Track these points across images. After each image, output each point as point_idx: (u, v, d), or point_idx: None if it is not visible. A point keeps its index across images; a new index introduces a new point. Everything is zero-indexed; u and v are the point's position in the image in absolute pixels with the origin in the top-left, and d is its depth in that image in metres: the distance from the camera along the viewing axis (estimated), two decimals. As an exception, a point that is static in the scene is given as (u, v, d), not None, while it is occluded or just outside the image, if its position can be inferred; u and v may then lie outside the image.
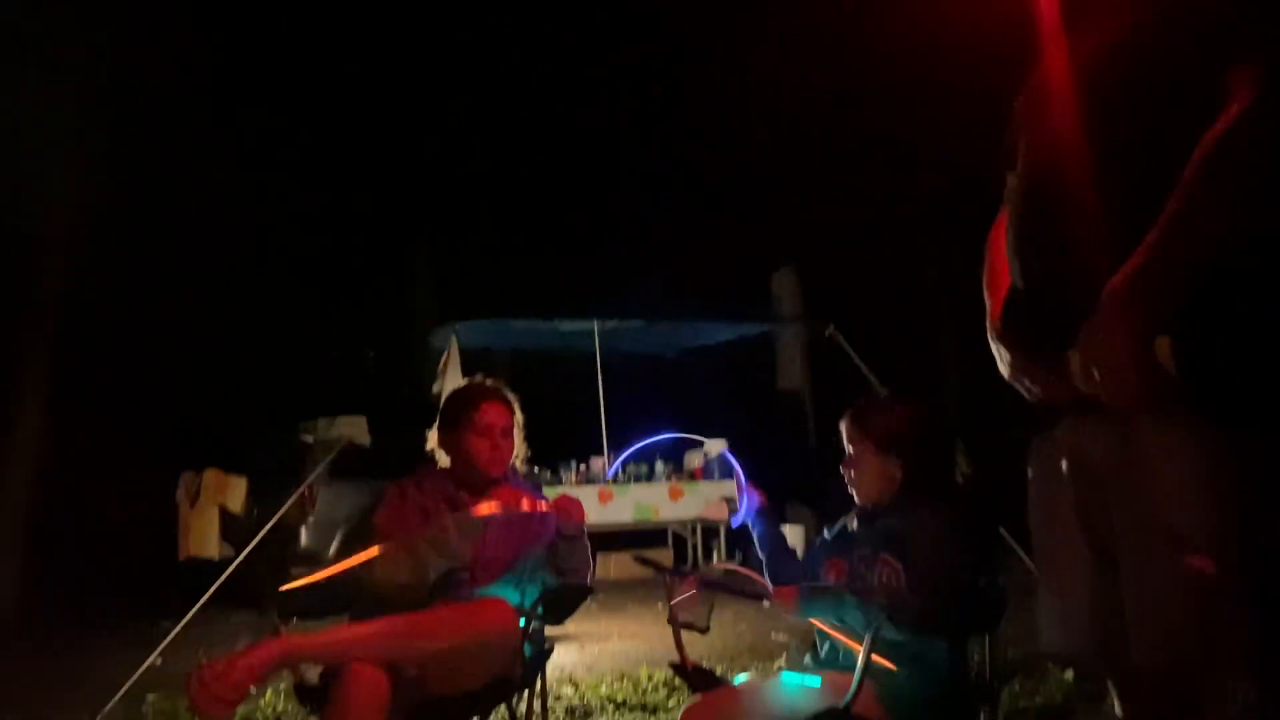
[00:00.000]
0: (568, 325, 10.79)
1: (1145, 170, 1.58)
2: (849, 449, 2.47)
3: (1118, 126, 1.62)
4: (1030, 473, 1.87)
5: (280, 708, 4.47)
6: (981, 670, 2.47)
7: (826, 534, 2.58)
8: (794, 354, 12.11)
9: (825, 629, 2.37)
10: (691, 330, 11.95)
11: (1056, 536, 1.79)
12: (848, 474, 2.48)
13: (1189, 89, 1.56)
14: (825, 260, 12.01)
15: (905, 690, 2.19)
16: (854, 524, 2.51)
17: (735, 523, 2.80)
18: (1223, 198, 1.48)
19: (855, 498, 2.51)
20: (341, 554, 8.89)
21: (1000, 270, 1.86)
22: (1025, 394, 1.77)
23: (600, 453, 10.25)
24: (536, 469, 9.74)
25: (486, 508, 2.68)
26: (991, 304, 1.87)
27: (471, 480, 2.85)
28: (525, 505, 2.69)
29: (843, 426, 2.49)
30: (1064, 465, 1.75)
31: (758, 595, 2.50)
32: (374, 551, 2.63)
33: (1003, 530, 2.42)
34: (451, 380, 7.47)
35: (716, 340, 12.36)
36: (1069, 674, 4.30)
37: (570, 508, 2.77)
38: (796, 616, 2.40)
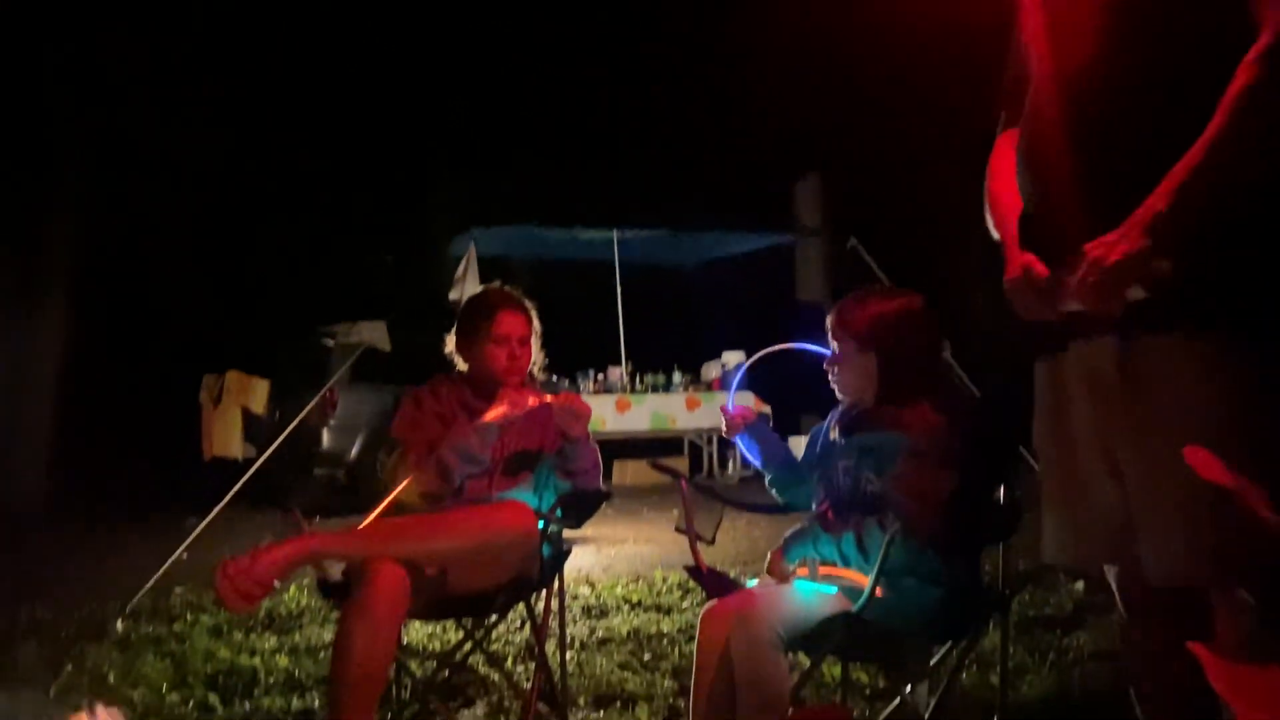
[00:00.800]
0: (587, 234, 10.74)
1: (1157, 91, 1.56)
2: (834, 347, 2.44)
3: (1134, 45, 1.59)
4: (1037, 387, 1.88)
5: (304, 602, 4.59)
6: (994, 580, 2.50)
7: (817, 441, 2.57)
8: (815, 266, 12.03)
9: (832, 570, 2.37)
10: (712, 240, 11.87)
11: (1063, 450, 1.79)
12: (831, 371, 2.46)
13: (1206, 11, 1.52)
14: (848, 170, 11.82)
15: (916, 599, 2.22)
16: (835, 431, 2.49)
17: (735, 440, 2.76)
18: (1264, 125, 1.48)
19: (839, 397, 2.49)
20: (362, 457, 9.08)
21: (1005, 194, 1.83)
22: (1021, 311, 1.76)
23: (618, 362, 10.30)
24: (555, 378, 9.79)
25: (498, 412, 2.69)
26: (1000, 228, 1.84)
27: (488, 388, 2.86)
28: (533, 401, 2.70)
29: (828, 323, 2.46)
30: (1072, 379, 1.75)
31: (767, 509, 2.52)
32: (409, 483, 2.65)
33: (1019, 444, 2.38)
34: (470, 287, 7.45)
35: (737, 251, 12.29)
36: (1079, 584, 4.35)
37: (573, 405, 2.76)
38: (788, 568, 2.40)
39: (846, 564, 2.27)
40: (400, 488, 2.64)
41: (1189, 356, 1.57)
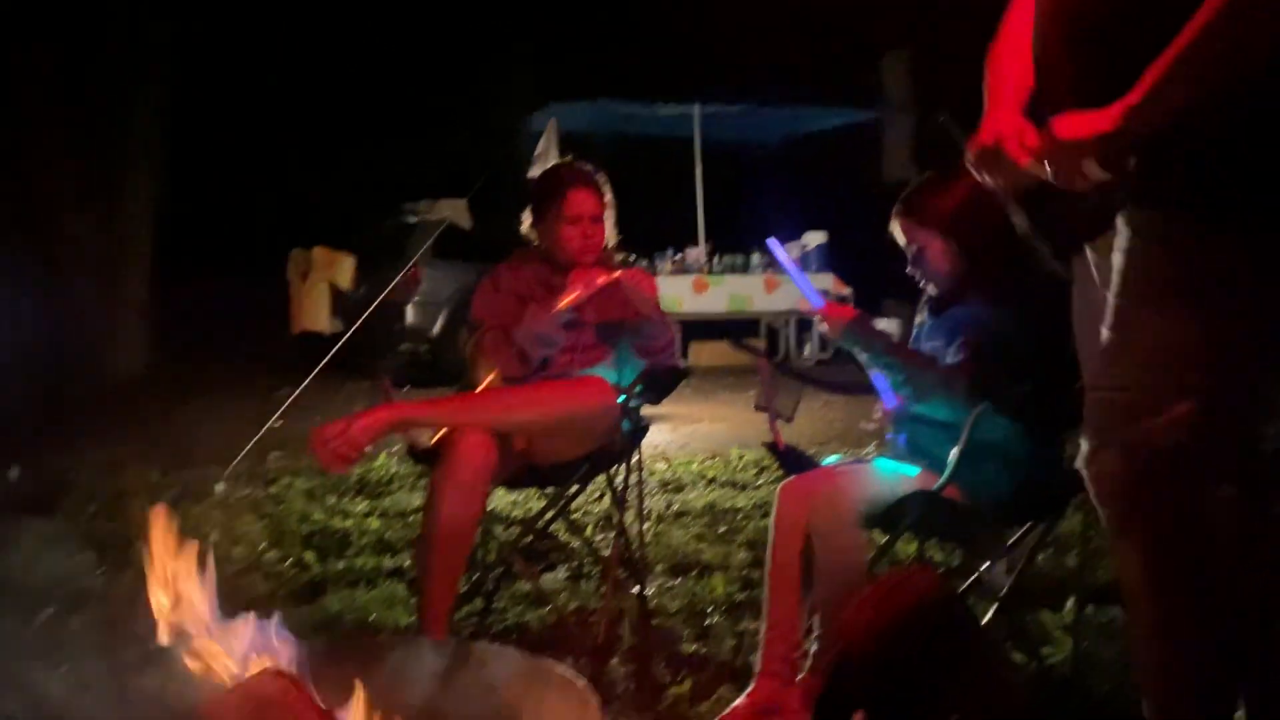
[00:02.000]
0: (668, 109, 10.52)
1: None
2: (908, 239, 2.39)
3: None
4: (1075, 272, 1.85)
5: (393, 469, 4.76)
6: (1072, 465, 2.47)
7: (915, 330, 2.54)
8: (903, 142, 11.65)
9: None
10: (795, 116, 11.52)
11: (1092, 341, 1.76)
12: (914, 268, 2.41)
13: None
14: (939, 42, 11.30)
15: (997, 479, 2.22)
16: (922, 315, 2.46)
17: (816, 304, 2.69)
18: (1246, 25, 1.40)
19: (926, 288, 2.44)
20: (445, 332, 9.24)
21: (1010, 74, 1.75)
22: (980, 178, 1.71)
23: (696, 243, 10.20)
24: (632, 258, 9.76)
25: (570, 297, 2.69)
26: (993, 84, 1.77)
27: (565, 266, 2.87)
28: (603, 280, 2.69)
29: (895, 215, 2.39)
30: (1094, 275, 1.74)
31: (846, 389, 2.51)
32: (492, 376, 2.69)
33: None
34: (549, 163, 7.42)
35: (821, 127, 11.92)
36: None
37: (638, 283, 2.75)
38: (835, 340, 2.41)
39: (935, 444, 2.26)
40: (487, 380, 2.68)
41: (1175, 256, 1.51)
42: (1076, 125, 1.52)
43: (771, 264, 10.17)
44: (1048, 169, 1.56)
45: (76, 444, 5.49)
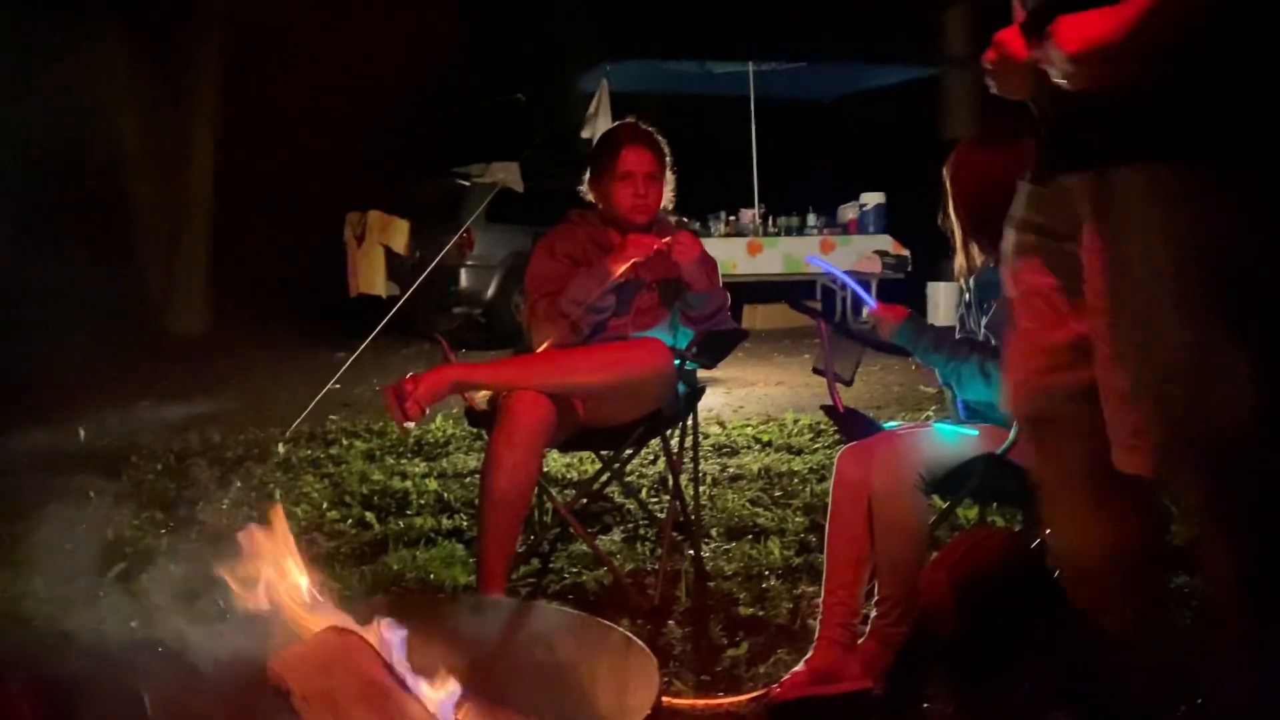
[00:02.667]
0: (722, 67, 10.38)
1: None
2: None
3: None
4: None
5: (449, 431, 4.80)
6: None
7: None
8: (964, 100, 11.37)
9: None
10: (852, 73, 11.31)
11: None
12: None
13: None
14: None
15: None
16: (970, 282, 2.41)
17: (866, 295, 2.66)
18: None
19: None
20: (498, 296, 9.28)
21: None
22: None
23: (751, 204, 10.10)
24: (685, 219, 9.70)
25: (621, 265, 2.67)
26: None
27: (621, 225, 2.85)
28: (654, 246, 2.66)
29: (946, 175, 2.33)
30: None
31: (906, 352, 2.47)
32: (549, 342, 2.69)
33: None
34: (601, 125, 7.38)
35: (879, 84, 11.68)
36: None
37: (687, 246, 2.73)
38: (889, 339, 2.39)
39: (995, 408, 2.22)
40: (543, 347, 2.68)
41: (1156, 190, 1.41)
42: (1013, 40, 1.50)
43: (829, 224, 10.06)
44: (1057, 68, 1.47)
45: (140, 405, 5.61)
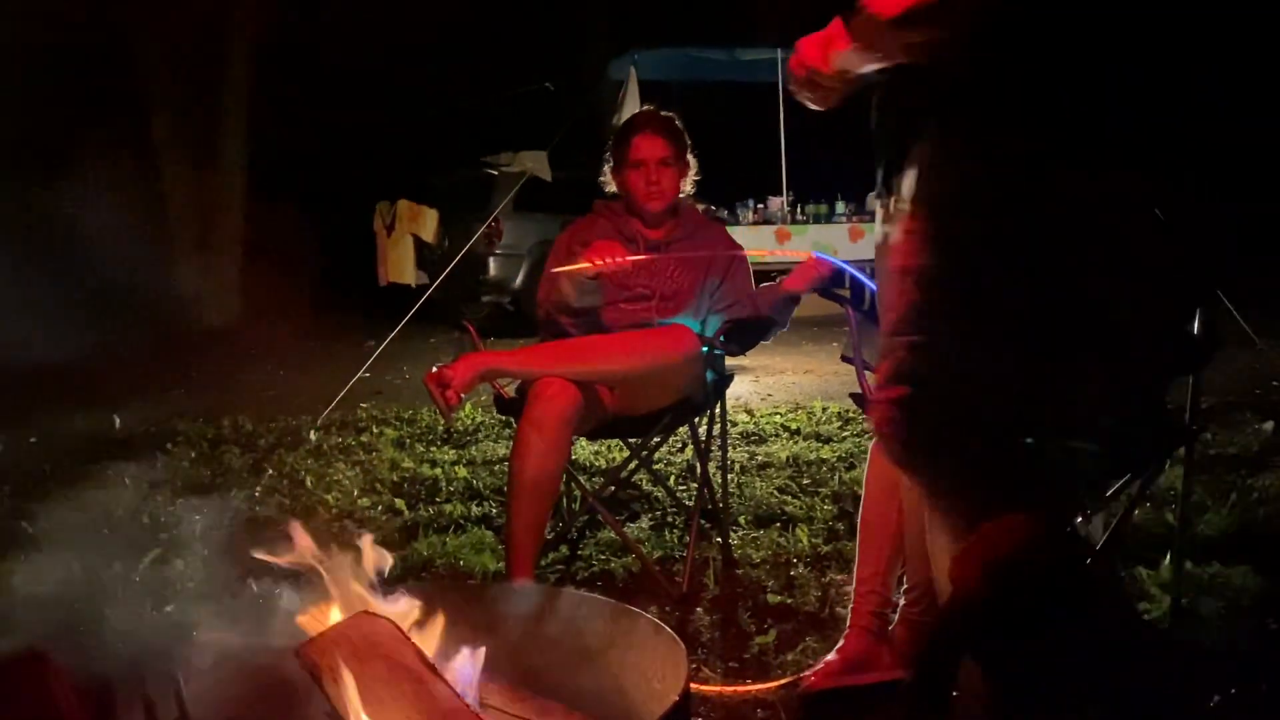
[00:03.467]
0: (749, 54, 10.31)
1: None
2: None
3: None
4: None
5: (478, 419, 4.83)
6: (1179, 415, 2.38)
7: None
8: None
9: None
10: (881, 61, 11.22)
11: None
12: None
13: None
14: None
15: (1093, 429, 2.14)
16: None
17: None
18: None
19: None
20: (527, 284, 9.30)
21: None
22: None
23: (779, 192, 10.05)
24: (714, 207, 9.66)
25: (582, 265, 2.63)
26: None
27: (641, 215, 2.86)
28: (620, 263, 2.58)
29: None
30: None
31: None
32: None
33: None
34: (629, 112, 7.36)
35: (908, 72, 11.58)
36: (1269, 425, 4.13)
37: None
38: None
39: None
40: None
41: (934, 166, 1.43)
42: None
43: (857, 211, 9.98)
44: (852, 58, 1.54)
45: (174, 392, 5.69)
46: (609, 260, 2.56)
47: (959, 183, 1.40)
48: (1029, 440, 1.41)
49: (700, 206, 3.00)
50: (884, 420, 1.44)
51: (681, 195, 2.90)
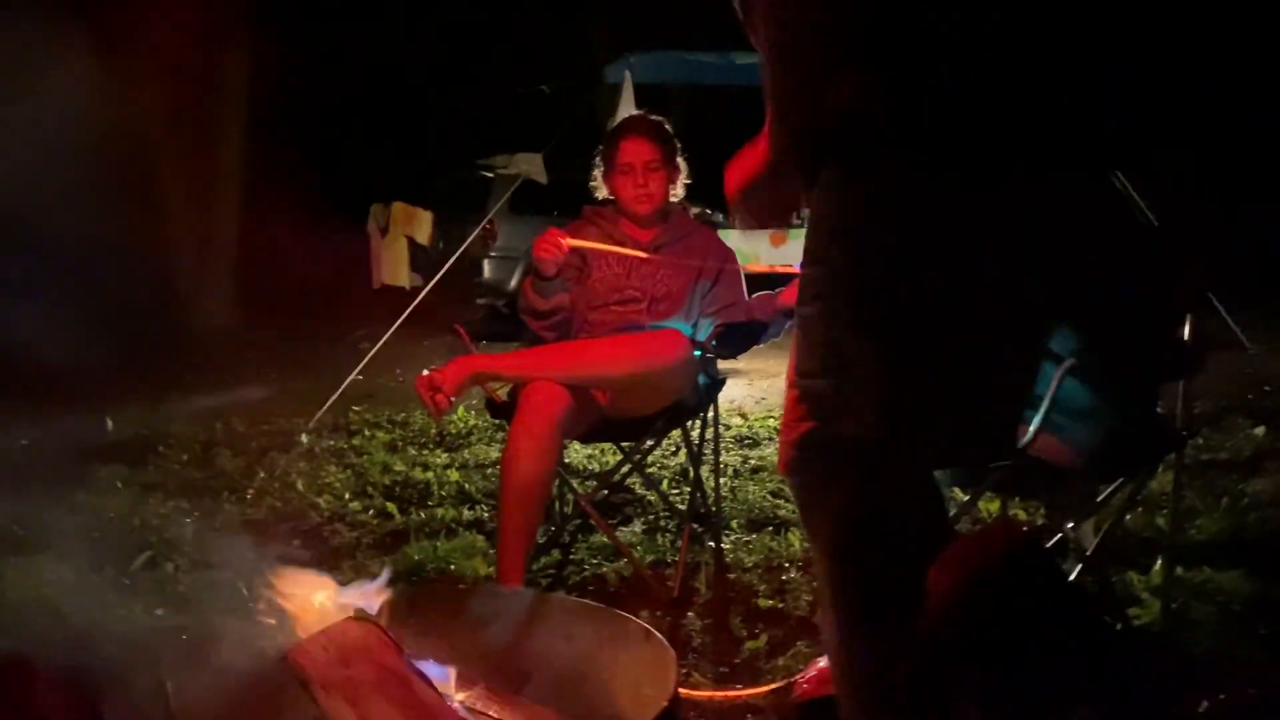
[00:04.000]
0: (745, 58, 10.32)
1: None
2: None
3: None
4: None
5: (471, 423, 4.82)
6: (1170, 420, 2.39)
7: None
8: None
9: None
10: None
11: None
12: None
13: None
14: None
15: (1089, 435, 2.15)
16: None
17: None
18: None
19: None
20: (521, 287, 9.30)
21: None
22: None
23: (774, 194, 10.06)
24: (708, 210, 9.67)
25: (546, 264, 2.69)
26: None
27: (631, 219, 2.87)
28: (549, 244, 2.66)
29: None
30: None
31: None
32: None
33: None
34: (625, 116, 7.36)
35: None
36: (1260, 430, 4.14)
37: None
38: None
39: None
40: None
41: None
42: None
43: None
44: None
45: (167, 395, 5.67)
46: (553, 247, 2.63)
47: (838, 217, 1.42)
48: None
49: (694, 210, 3.00)
50: (784, 461, 1.45)
51: (672, 199, 2.91)
